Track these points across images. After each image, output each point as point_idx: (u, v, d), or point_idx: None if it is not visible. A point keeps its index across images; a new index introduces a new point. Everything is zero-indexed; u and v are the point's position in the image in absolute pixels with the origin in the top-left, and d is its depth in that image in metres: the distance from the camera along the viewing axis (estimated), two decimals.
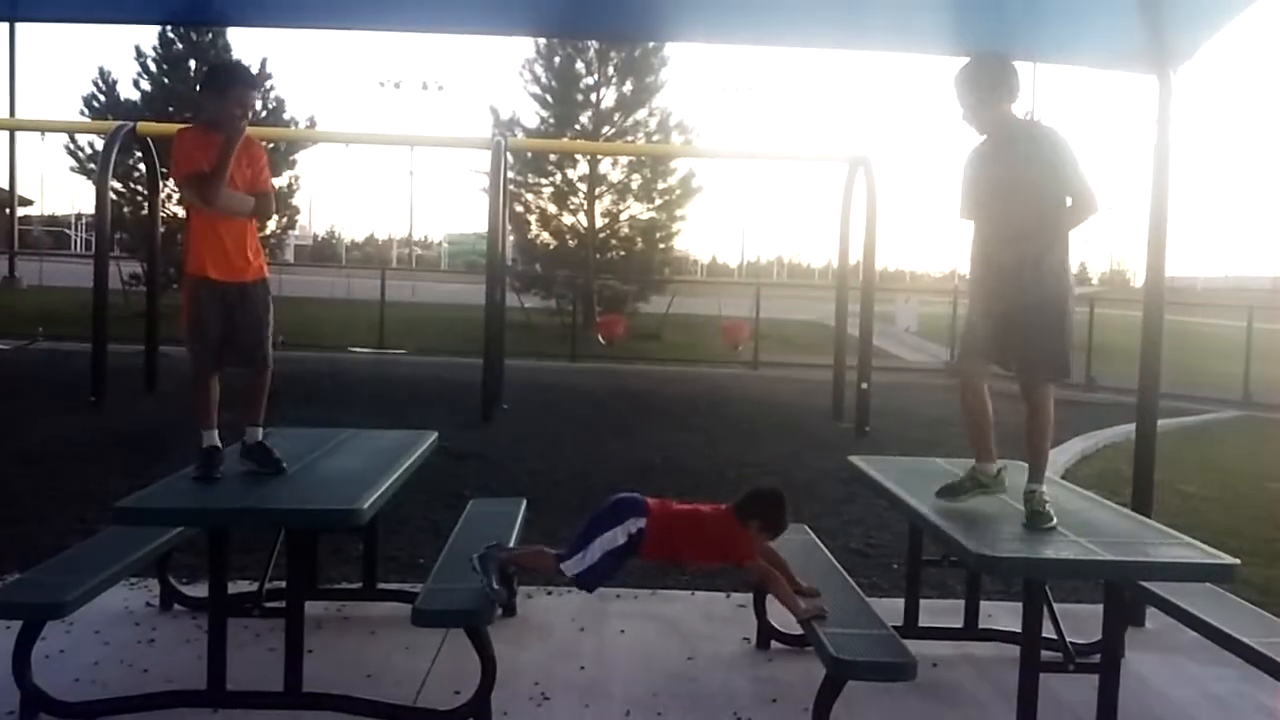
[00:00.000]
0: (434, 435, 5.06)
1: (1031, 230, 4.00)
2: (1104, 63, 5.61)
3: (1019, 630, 3.71)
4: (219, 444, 4.03)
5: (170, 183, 22.08)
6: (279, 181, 23.82)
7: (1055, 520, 3.77)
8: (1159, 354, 5.00)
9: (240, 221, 4.09)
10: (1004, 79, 4.12)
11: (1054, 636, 3.90)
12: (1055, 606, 3.97)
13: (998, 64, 4.16)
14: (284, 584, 3.94)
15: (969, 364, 4.30)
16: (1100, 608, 3.91)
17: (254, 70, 22.84)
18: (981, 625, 4.76)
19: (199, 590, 4.73)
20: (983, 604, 4.83)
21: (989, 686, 4.32)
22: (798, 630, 4.07)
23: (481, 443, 9.23)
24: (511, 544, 4.35)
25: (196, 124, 4.16)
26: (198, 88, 4.13)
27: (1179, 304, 22.16)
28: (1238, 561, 3.43)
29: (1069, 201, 4.02)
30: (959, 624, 4.76)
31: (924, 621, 4.71)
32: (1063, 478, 7.78)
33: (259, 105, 22.97)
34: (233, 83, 4.06)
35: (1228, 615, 4.04)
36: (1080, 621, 4.52)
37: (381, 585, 4.99)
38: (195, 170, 3.94)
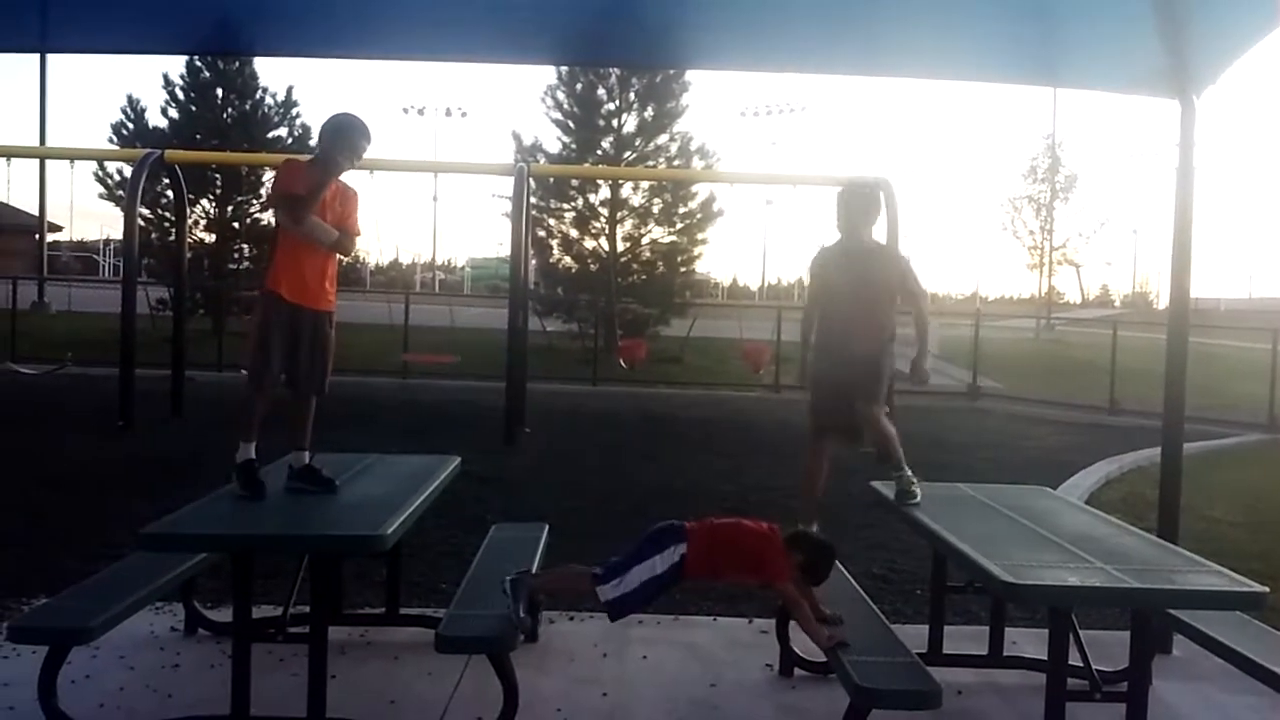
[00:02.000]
0: (457, 460, 5.08)
1: (873, 327, 5.31)
2: (1126, 87, 5.61)
3: (1045, 658, 3.68)
4: (255, 457, 4.14)
5: (197, 209, 22.48)
6: None
7: (918, 496, 4.73)
8: (1184, 377, 4.97)
9: (323, 254, 4.28)
10: (872, 205, 5.51)
11: (1080, 664, 3.87)
12: (1081, 633, 3.94)
13: (870, 193, 5.58)
14: (308, 609, 3.96)
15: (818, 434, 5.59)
16: (1127, 634, 3.88)
17: (283, 96, 23.02)
18: (1007, 652, 4.72)
19: (224, 615, 4.75)
20: (1008, 630, 4.79)
21: (1014, 715, 4.28)
22: (821, 657, 4.05)
23: (504, 466, 9.25)
24: (534, 569, 4.36)
25: (307, 160, 4.39)
26: (320, 131, 4.41)
27: (1202, 326, 21.96)
28: (1267, 590, 3.39)
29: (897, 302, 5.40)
30: (984, 651, 4.72)
31: (948, 648, 4.67)
32: (1087, 502, 7.75)
33: (285, 133, 23.30)
34: (346, 130, 4.31)
35: (1256, 642, 3.99)
36: (1106, 649, 4.48)
37: (404, 611, 5.00)
38: (290, 191, 4.16)
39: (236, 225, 23.48)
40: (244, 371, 4.35)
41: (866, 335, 5.33)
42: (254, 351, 4.22)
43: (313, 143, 22.71)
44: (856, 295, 5.35)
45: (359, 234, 4.44)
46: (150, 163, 11.81)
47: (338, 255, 4.38)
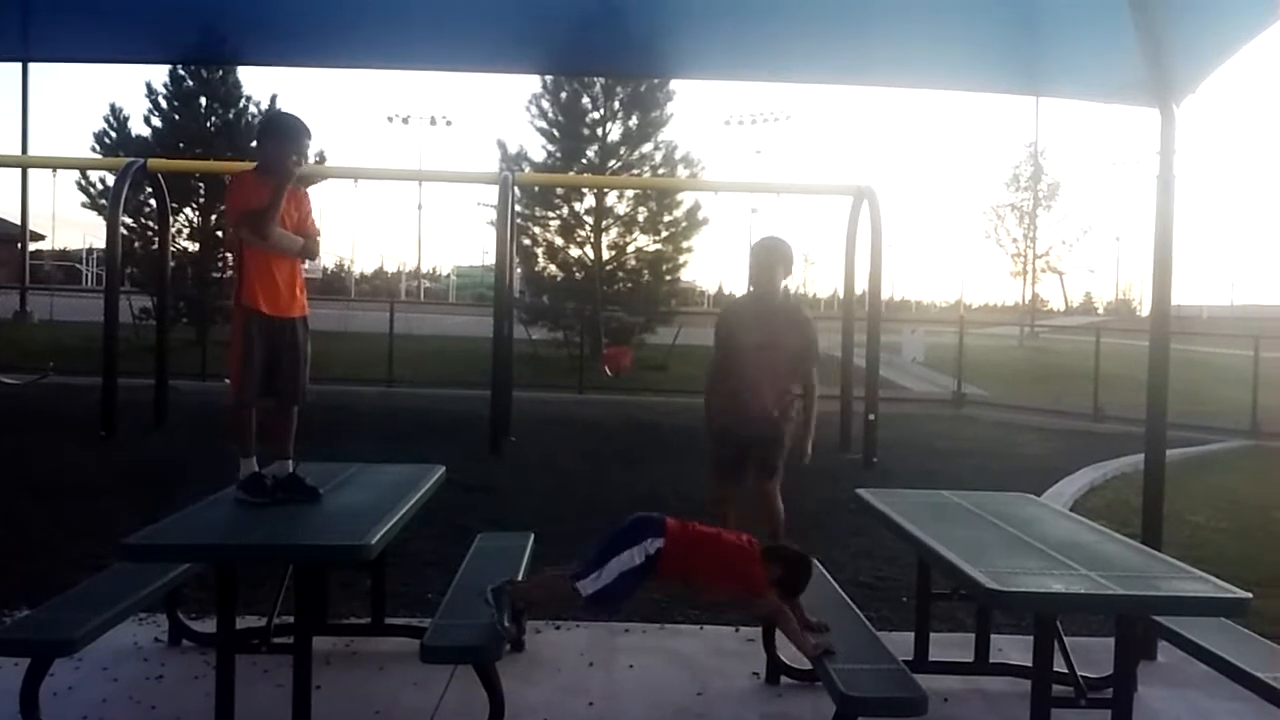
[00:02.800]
0: (441, 469, 5.07)
1: (781, 383, 5.39)
2: (1107, 96, 5.65)
3: (1030, 664, 3.69)
4: (258, 468, 4.17)
5: (180, 218, 22.37)
6: None
7: None
8: (1166, 384, 5.00)
9: (290, 261, 4.29)
10: (784, 259, 5.47)
11: (1065, 670, 3.88)
12: (1066, 640, 3.95)
13: (782, 246, 5.51)
14: (292, 620, 3.94)
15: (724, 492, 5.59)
16: (1111, 641, 3.90)
17: (267, 105, 22.98)
18: (992, 659, 4.73)
19: (208, 626, 4.72)
20: (993, 638, 4.80)
21: None
22: (807, 665, 4.06)
23: (489, 475, 9.22)
24: (519, 578, 4.35)
25: (253, 170, 4.34)
26: (256, 136, 4.42)
27: (1185, 333, 22.15)
28: (1250, 595, 3.41)
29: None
30: (970, 658, 4.73)
31: (934, 655, 4.69)
32: (1071, 509, 7.78)
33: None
34: (290, 131, 4.30)
35: (1240, 648, 4.01)
36: (1091, 655, 4.50)
37: (390, 620, 4.99)
38: (249, 207, 4.14)
39: (220, 234, 23.37)
40: (229, 382, 4.31)
41: (768, 398, 5.38)
42: (238, 366, 4.20)
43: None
44: (761, 356, 5.38)
45: (319, 234, 4.44)
46: (133, 171, 11.75)
47: (304, 260, 4.38)
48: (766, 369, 5.39)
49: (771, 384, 5.39)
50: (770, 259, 5.46)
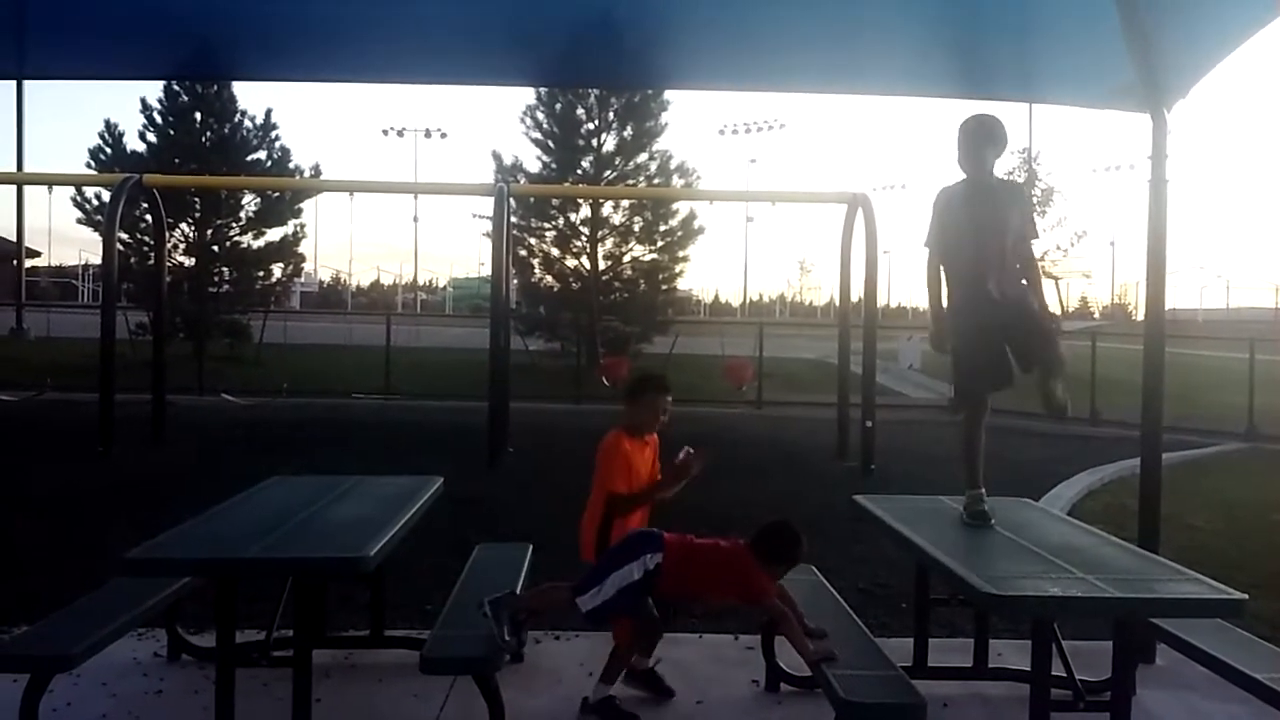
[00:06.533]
0: (439, 481, 5.07)
1: (1010, 263, 4.68)
2: (1098, 102, 5.69)
3: (1029, 669, 3.70)
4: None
5: (176, 233, 22.39)
6: (285, 230, 24.06)
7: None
8: (1161, 388, 5.01)
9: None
10: (997, 137, 4.72)
11: (1064, 674, 3.89)
12: (1065, 644, 3.96)
13: (992, 122, 4.74)
14: (292, 633, 3.94)
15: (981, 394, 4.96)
16: (1110, 644, 3.90)
17: (262, 119, 23.08)
18: (991, 664, 4.74)
19: (207, 640, 4.72)
20: (992, 642, 4.81)
21: None
22: (807, 672, 4.06)
23: (487, 487, 9.22)
24: (519, 589, 4.36)
25: (624, 428, 4.64)
26: (629, 390, 4.74)
27: (1180, 336, 22.16)
28: (1246, 596, 3.42)
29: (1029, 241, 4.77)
30: (968, 663, 4.73)
31: (933, 661, 4.69)
32: (1069, 513, 7.79)
33: (264, 156, 23.32)
34: (657, 392, 4.71)
35: (1238, 650, 4.02)
36: (1090, 659, 4.49)
37: (389, 632, 4.98)
38: (615, 492, 4.45)
39: (216, 249, 23.43)
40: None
41: (1004, 278, 4.68)
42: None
43: (292, 165, 22.58)
44: (987, 237, 4.69)
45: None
46: (129, 187, 11.76)
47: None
48: (995, 250, 4.71)
49: (1000, 264, 4.70)
50: (973, 140, 4.74)
